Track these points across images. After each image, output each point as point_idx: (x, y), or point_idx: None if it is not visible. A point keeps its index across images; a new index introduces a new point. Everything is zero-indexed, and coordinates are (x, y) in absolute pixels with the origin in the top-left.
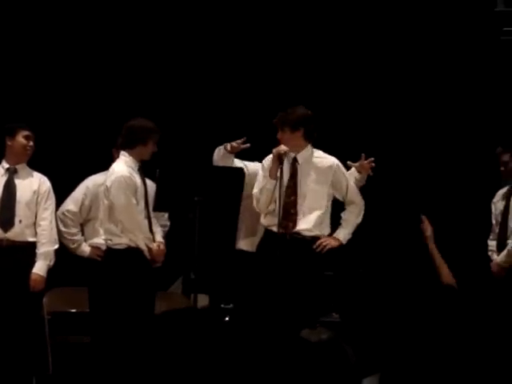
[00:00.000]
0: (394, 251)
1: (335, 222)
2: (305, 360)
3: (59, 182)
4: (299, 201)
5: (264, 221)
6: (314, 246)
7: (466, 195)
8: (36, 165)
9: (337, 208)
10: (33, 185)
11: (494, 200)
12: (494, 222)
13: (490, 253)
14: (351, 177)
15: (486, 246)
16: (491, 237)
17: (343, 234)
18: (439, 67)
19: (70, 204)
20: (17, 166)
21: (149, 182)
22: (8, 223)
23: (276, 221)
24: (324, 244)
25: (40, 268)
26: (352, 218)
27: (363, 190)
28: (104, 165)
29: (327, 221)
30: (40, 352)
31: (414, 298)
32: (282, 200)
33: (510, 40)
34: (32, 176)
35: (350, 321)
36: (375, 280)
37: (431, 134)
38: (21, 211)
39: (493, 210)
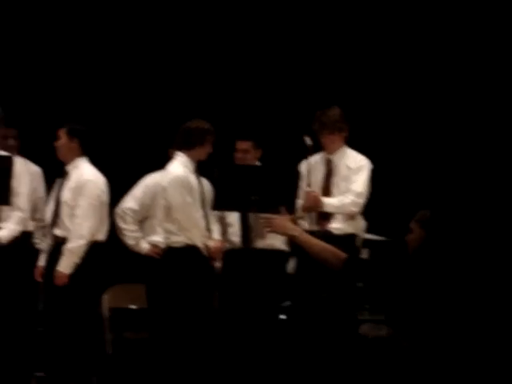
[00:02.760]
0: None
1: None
2: (362, 355)
3: (117, 179)
4: None
5: None
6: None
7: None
8: (95, 163)
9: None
10: None
11: None
12: None
13: None
14: None
15: None
16: None
17: (329, 201)
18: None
19: (131, 201)
20: None
21: (204, 181)
22: None
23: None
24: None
25: (60, 264)
26: (344, 200)
27: None
28: (160, 164)
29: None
30: (98, 350)
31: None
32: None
33: None
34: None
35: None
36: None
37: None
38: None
39: None
